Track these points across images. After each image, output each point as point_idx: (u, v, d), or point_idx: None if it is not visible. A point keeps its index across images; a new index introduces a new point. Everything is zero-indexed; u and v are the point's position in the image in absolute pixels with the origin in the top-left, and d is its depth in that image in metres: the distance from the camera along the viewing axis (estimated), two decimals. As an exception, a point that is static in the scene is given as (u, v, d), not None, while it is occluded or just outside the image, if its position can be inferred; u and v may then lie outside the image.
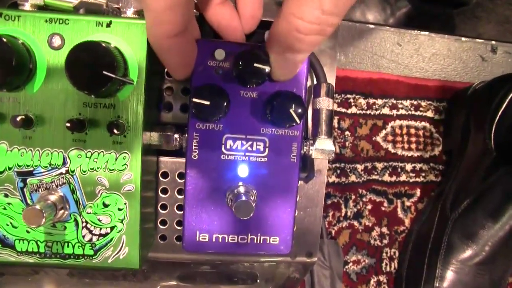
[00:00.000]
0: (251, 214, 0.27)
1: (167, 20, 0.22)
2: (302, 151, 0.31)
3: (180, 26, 0.23)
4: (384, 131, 0.58)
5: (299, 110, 0.27)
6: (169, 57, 0.26)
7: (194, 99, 0.26)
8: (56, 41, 0.26)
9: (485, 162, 0.55)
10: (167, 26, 0.23)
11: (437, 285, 0.54)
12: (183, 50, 0.26)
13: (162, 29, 0.23)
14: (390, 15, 0.75)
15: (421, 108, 0.60)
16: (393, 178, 0.58)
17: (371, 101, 0.58)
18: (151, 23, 0.23)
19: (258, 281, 0.46)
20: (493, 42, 0.64)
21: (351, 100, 0.58)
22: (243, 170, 0.29)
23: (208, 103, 0.26)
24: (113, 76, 0.24)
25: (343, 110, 0.57)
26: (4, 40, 0.24)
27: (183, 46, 0.25)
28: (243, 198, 0.27)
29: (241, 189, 0.28)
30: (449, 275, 0.53)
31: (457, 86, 0.61)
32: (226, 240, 0.30)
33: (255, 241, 0.31)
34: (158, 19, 0.22)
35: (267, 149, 0.29)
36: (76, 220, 0.28)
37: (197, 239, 0.30)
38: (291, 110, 0.27)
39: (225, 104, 0.27)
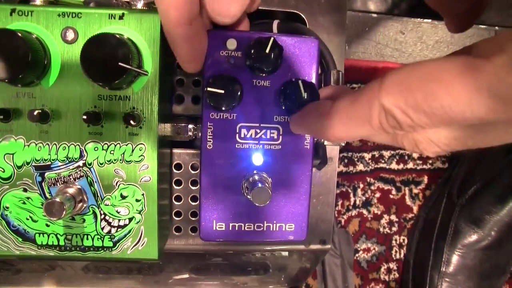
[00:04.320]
0: (268, 201, 0.27)
1: (177, 5, 0.22)
2: (314, 138, 0.31)
3: (191, 11, 0.23)
4: (390, 120, 0.59)
5: (312, 97, 0.28)
6: (180, 46, 0.25)
7: (208, 88, 0.26)
8: (70, 35, 0.26)
9: (493, 149, 0.55)
10: (174, 14, 0.23)
11: (443, 269, 0.54)
12: (194, 39, 0.26)
13: (175, 14, 0.23)
14: (391, 4, 0.75)
15: (426, 96, 0.60)
16: (401, 166, 0.58)
17: (377, 90, 0.58)
18: (164, 8, 0.23)
19: (271, 271, 0.46)
20: (496, 28, 0.63)
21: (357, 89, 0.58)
22: (257, 158, 0.29)
23: (222, 92, 0.26)
24: (128, 67, 0.25)
25: (349, 99, 0.57)
26: (19, 35, 0.24)
27: (194, 35, 0.25)
28: (260, 185, 0.27)
29: (257, 177, 0.29)
30: (455, 259, 0.54)
31: (461, 73, 0.61)
32: (243, 228, 0.30)
33: (271, 229, 0.31)
34: (171, 3, 0.22)
35: (280, 137, 0.30)
36: (94, 213, 0.28)
37: (214, 228, 0.30)
38: (304, 98, 0.27)
39: (238, 92, 0.27)
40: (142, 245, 0.29)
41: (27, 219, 0.28)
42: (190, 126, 0.30)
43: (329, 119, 0.22)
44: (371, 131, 0.20)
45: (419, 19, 0.62)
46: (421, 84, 0.17)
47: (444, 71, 0.16)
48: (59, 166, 0.28)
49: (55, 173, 0.28)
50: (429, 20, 0.62)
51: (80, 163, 0.28)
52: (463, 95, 0.15)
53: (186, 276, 0.47)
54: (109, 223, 0.28)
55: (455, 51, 0.23)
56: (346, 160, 0.57)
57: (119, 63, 0.24)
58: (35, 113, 0.26)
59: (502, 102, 0.15)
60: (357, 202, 0.57)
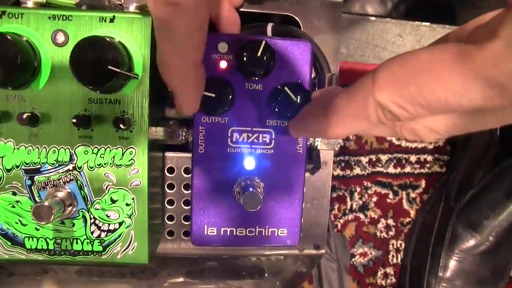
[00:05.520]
0: (259, 206, 0.27)
1: (197, 44, 0.21)
2: (308, 143, 0.30)
3: (204, 49, 0.23)
4: (387, 123, 0.58)
5: (305, 101, 0.27)
6: (189, 87, 0.24)
7: (199, 92, 0.26)
8: (60, 38, 0.26)
9: (491, 153, 0.55)
10: (193, 54, 0.22)
11: (440, 274, 0.54)
12: (201, 77, 0.25)
13: (188, 56, 0.22)
14: (389, 7, 0.74)
15: (424, 99, 0.60)
16: (398, 170, 0.58)
17: (374, 93, 0.58)
18: (177, 51, 0.22)
19: (266, 275, 0.46)
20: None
21: (354, 92, 0.57)
22: (249, 163, 0.29)
23: (213, 95, 0.26)
24: (118, 70, 0.24)
25: (346, 103, 0.57)
26: (9, 37, 0.24)
27: (201, 72, 0.24)
28: (251, 190, 0.27)
29: (248, 182, 0.28)
30: (452, 264, 0.54)
31: (459, 76, 0.61)
32: (234, 233, 0.30)
33: (263, 234, 0.31)
34: (188, 45, 0.21)
35: (273, 141, 0.29)
36: (84, 217, 0.28)
37: (205, 233, 0.30)
38: (296, 101, 0.27)
39: (230, 96, 0.27)
40: (132, 249, 0.28)
41: (16, 223, 0.28)
42: (182, 129, 0.30)
43: (327, 119, 0.21)
44: (369, 126, 0.20)
45: (417, 22, 0.61)
46: (414, 77, 0.16)
47: (436, 61, 0.16)
48: (49, 169, 0.27)
49: (45, 177, 0.27)
50: (427, 23, 0.62)
51: (70, 166, 0.27)
52: (458, 85, 0.15)
53: (181, 279, 0.47)
54: (99, 227, 0.28)
55: (444, 36, 0.22)
56: (343, 164, 0.56)
57: (109, 67, 0.24)
58: (25, 116, 0.26)
59: (498, 89, 0.14)
60: (354, 206, 0.56)
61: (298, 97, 0.27)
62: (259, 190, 0.28)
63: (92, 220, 0.28)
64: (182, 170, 0.34)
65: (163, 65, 0.23)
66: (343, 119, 0.21)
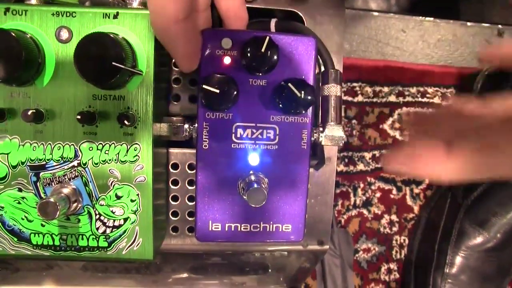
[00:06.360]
0: (264, 202, 0.27)
1: (173, 3, 0.22)
2: (312, 138, 0.30)
3: (186, 8, 0.23)
4: (391, 119, 0.58)
5: (309, 97, 0.27)
6: (176, 44, 0.25)
7: (204, 86, 0.26)
8: (64, 34, 0.26)
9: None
10: (173, 9, 0.23)
11: (447, 271, 0.54)
12: (189, 37, 0.26)
13: (168, 12, 0.23)
14: (392, 2, 0.74)
15: (427, 95, 0.60)
16: (402, 166, 0.58)
17: (377, 89, 0.58)
18: (161, 3, 0.23)
19: (270, 271, 0.46)
20: (500, 26, 0.63)
21: (357, 88, 0.57)
22: (254, 159, 0.29)
23: (217, 91, 0.26)
24: (122, 67, 0.24)
25: (350, 98, 0.57)
26: (13, 34, 0.24)
27: (188, 32, 0.25)
28: (255, 185, 0.27)
29: (253, 177, 0.28)
30: (458, 261, 0.53)
31: (463, 72, 0.60)
32: (239, 229, 0.30)
33: (268, 230, 0.31)
34: (165, 2, 0.22)
35: (277, 137, 0.29)
36: (89, 213, 0.28)
37: (210, 229, 0.30)
38: (301, 97, 0.27)
39: (234, 92, 0.27)
40: (137, 245, 0.29)
41: (22, 219, 0.28)
42: (186, 126, 0.30)
43: (448, 167, 0.24)
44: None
45: (420, 17, 0.61)
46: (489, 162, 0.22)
47: None
48: (54, 166, 0.27)
49: (50, 173, 0.27)
50: (431, 18, 0.61)
51: (75, 163, 0.27)
52: None
53: (185, 275, 0.47)
54: (104, 223, 0.28)
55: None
56: (346, 160, 0.56)
57: (113, 63, 0.24)
58: (29, 113, 0.26)
59: None
60: (357, 202, 0.56)
61: (302, 92, 0.27)
62: (263, 186, 0.28)
63: (97, 216, 0.28)
64: (186, 166, 0.34)
65: (151, 24, 0.25)
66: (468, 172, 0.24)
